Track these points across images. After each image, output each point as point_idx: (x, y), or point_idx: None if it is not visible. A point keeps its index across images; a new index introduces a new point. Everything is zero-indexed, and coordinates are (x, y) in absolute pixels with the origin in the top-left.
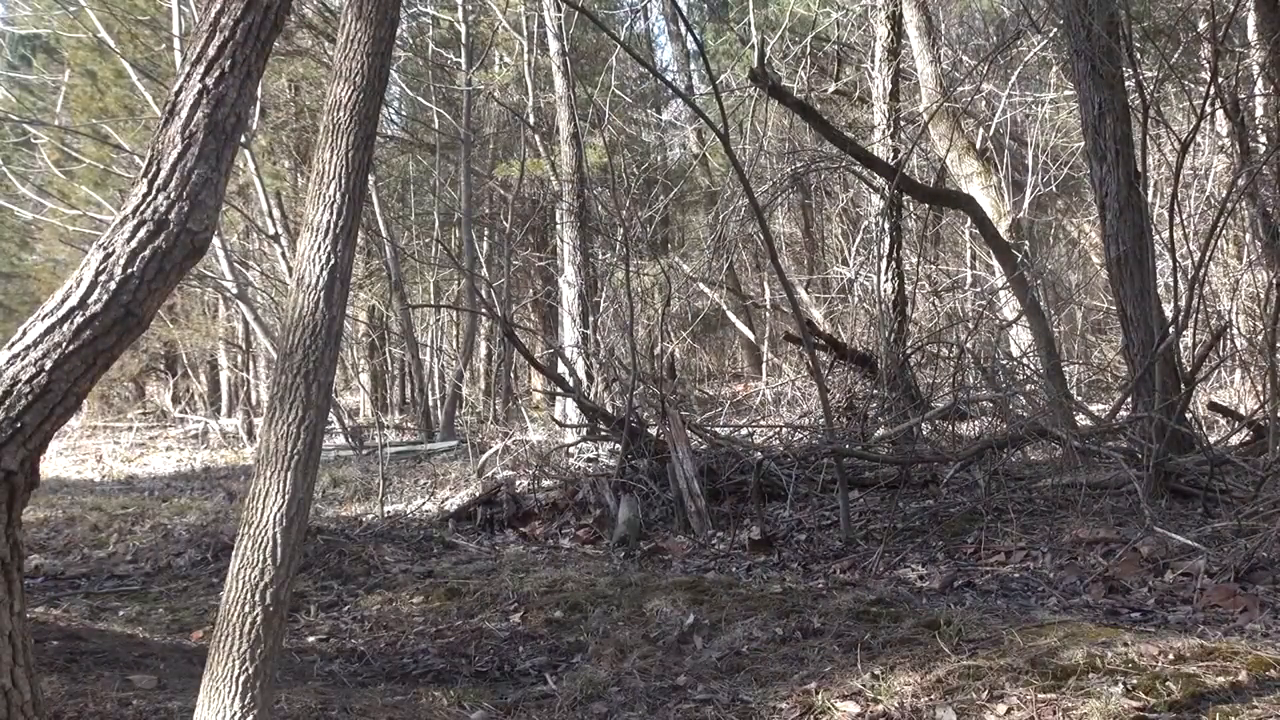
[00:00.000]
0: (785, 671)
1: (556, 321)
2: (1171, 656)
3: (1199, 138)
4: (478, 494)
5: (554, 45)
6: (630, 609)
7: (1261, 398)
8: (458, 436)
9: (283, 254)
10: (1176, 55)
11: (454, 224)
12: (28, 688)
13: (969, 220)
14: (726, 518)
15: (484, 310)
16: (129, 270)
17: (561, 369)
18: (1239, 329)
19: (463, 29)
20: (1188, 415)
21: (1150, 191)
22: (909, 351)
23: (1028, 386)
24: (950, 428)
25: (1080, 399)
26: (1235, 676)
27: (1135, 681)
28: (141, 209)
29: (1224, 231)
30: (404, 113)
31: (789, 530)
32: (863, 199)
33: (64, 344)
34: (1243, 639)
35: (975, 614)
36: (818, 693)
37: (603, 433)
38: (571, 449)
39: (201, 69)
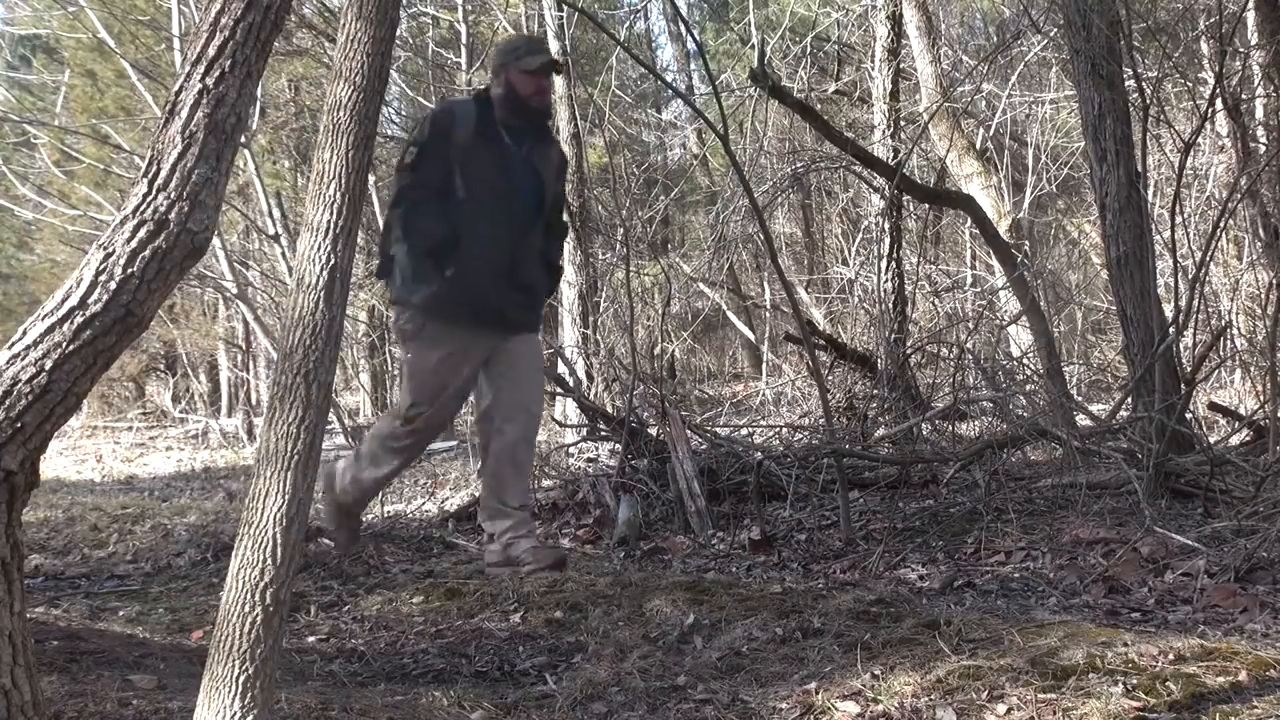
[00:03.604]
0: (785, 671)
1: (556, 321)
2: (1171, 656)
3: (1199, 138)
4: (478, 494)
5: (554, 45)
6: (630, 609)
7: (1261, 398)
8: (458, 436)
9: (283, 254)
10: (1178, 54)
11: None
12: (28, 688)
13: (969, 220)
14: (726, 518)
15: None
16: (129, 270)
17: (561, 369)
18: (1239, 329)
19: (463, 29)
20: (1188, 415)
21: (1151, 191)
22: (909, 351)
23: (1028, 386)
24: (950, 428)
25: (1080, 399)
26: (1235, 676)
27: (1135, 681)
28: (141, 209)
29: (1224, 232)
30: (404, 113)
31: (789, 530)
32: (863, 199)
33: (64, 344)
34: (1243, 639)
35: (975, 614)
36: (818, 693)
37: (603, 433)
38: (571, 449)
39: (201, 69)
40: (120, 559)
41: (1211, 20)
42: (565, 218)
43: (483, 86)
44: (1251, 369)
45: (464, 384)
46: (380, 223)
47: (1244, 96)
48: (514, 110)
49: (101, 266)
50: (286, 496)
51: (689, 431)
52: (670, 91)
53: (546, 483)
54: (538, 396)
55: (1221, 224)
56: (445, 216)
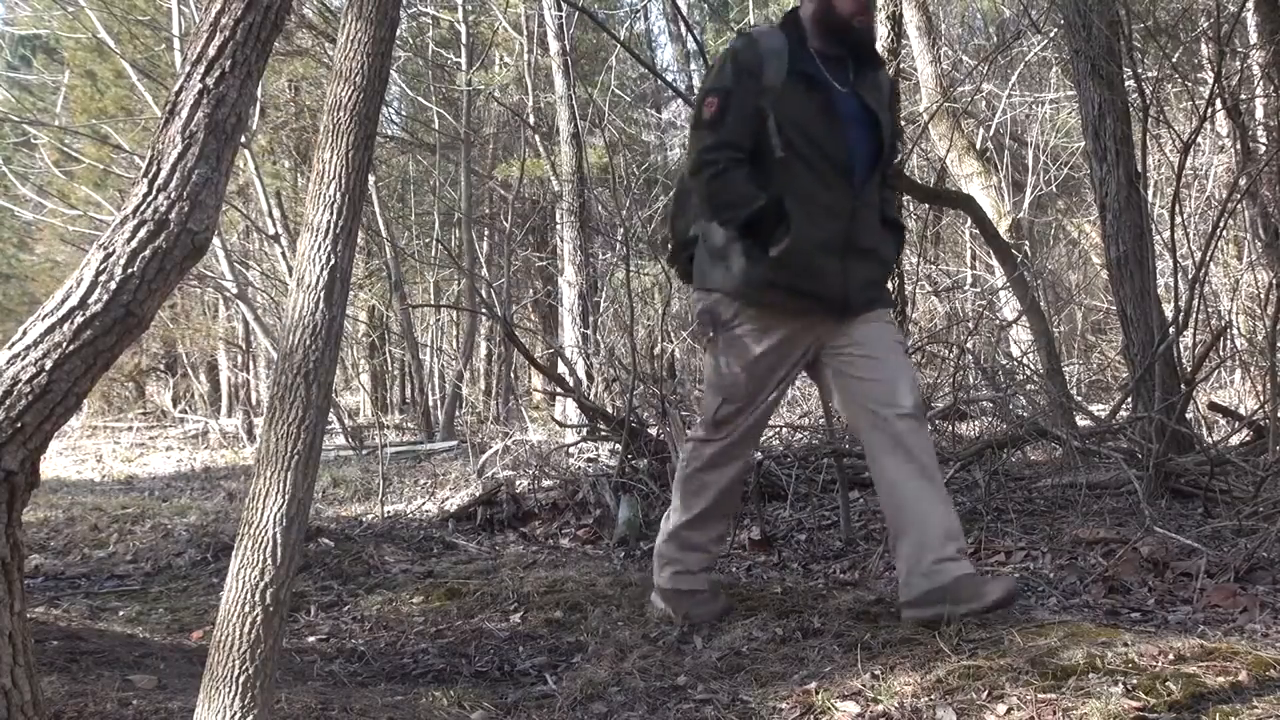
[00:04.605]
0: (785, 671)
1: (556, 321)
2: (1171, 656)
3: (1199, 138)
4: (478, 494)
5: (554, 45)
6: (630, 609)
7: (1261, 398)
8: (458, 436)
9: (283, 254)
10: (1177, 55)
11: (454, 224)
12: (28, 688)
13: (969, 220)
14: None
15: (484, 310)
16: (129, 270)
17: (561, 369)
18: (1239, 329)
19: (463, 29)
20: (1188, 415)
21: (1150, 191)
22: (909, 351)
23: (1028, 386)
24: (950, 428)
25: (1080, 399)
26: (1235, 676)
27: (1135, 681)
28: (142, 209)
29: (1224, 232)
30: (404, 113)
31: (789, 530)
32: None
33: (64, 344)
34: (1243, 639)
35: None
36: (818, 693)
37: (603, 433)
38: (571, 449)
39: (202, 69)
40: (120, 559)
41: (1211, 21)
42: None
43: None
44: (1251, 369)
45: (785, 384)
46: (381, 224)
47: (1244, 97)
48: (833, 36)
49: (101, 266)
50: (286, 496)
51: (689, 431)
52: (670, 91)
53: (546, 483)
54: (912, 383)
55: (1221, 224)
56: (761, 181)
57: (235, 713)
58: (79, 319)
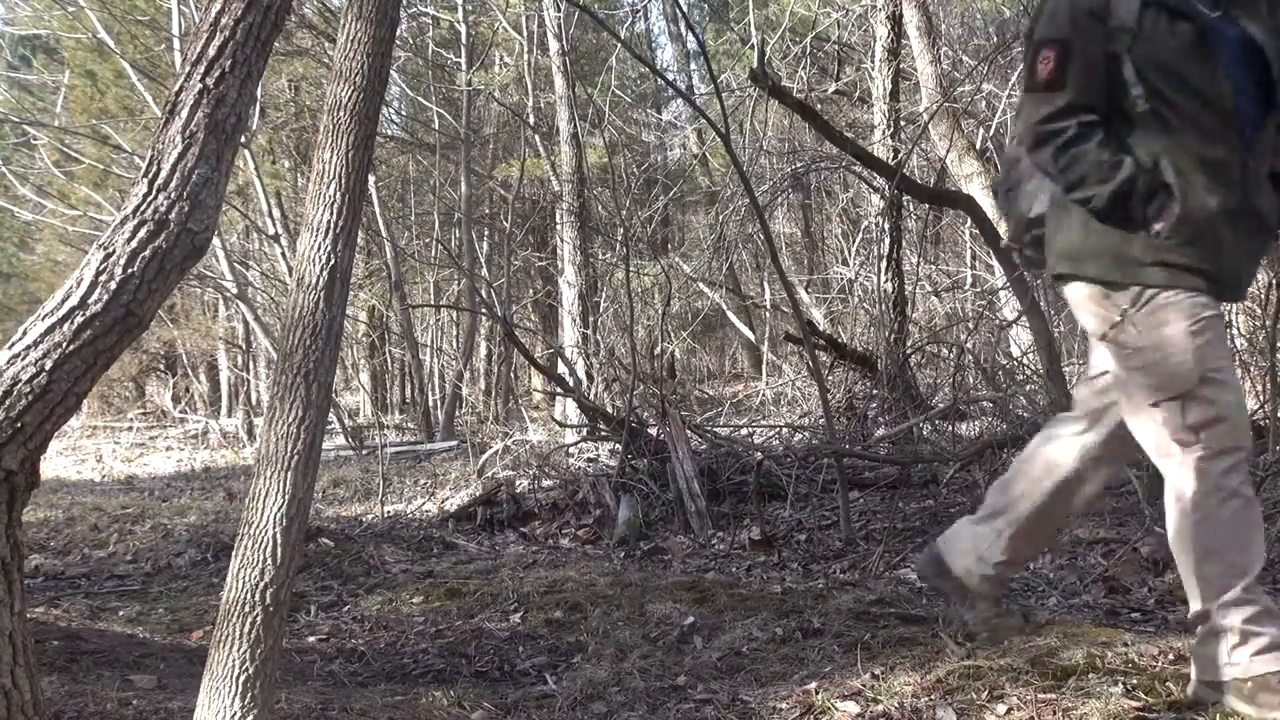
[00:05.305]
0: (785, 671)
1: (556, 321)
2: (1171, 656)
3: None
4: (478, 494)
5: (554, 45)
6: (630, 609)
7: (1261, 398)
8: (458, 436)
9: (283, 254)
10: None
11: (454, 224)
12: (28, 688)
13: (969, 220)
14: (726, 518)
15: (484, 310)
16: (129, 270)
17: (561, 369)
18: (1239, 329)
19: (463, 29)
20: None
21: None
22: (909, 351)
23: (1028, 386)
24: (950, 428)
25: None
26: None
27: (1135, 681)
28: (142, 209)
29: None
30: (404, 113)
31: (789, 530)
32: (863, 199)
33: (64, 344)
34: None
35: None
36: (818, 693)
37: (603, 433)
38: (571, 449)
39: (201, 69)
40: (120, 559)
41: None
42: None
43: None
44: (1251, 369)
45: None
46: (381, 224)
47: None
48: None
49: (102, 266)
50: (286, 496)
51: (689, 431)
52: (670, 91)
53: (547, 483)
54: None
55: None
56: (1124, 145)
57: (235, 713)
58: (79, 319)
